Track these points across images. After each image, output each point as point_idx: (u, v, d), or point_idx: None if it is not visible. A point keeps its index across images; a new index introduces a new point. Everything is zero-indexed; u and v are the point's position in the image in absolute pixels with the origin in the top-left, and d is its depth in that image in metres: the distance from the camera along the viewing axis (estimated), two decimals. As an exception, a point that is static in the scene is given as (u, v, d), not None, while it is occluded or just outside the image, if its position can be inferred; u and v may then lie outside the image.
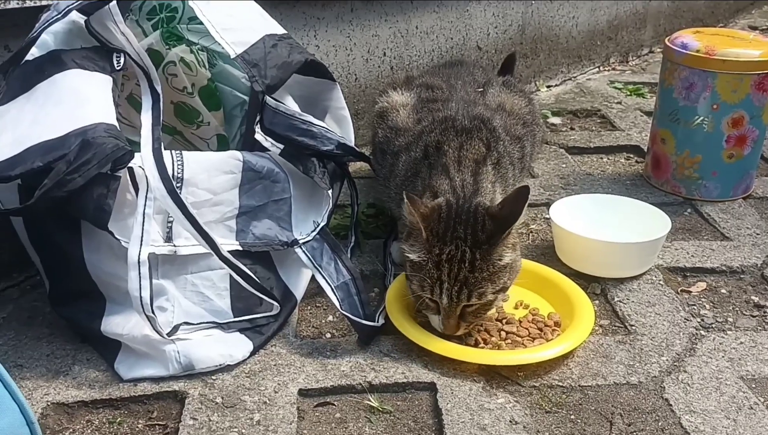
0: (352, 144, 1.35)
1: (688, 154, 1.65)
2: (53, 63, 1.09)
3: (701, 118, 1.61)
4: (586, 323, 1.16)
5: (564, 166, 1.86)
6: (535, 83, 2.44)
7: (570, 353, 1.13)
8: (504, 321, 1.20)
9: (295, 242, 1.20)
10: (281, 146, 1.21)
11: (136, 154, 1.05)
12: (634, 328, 1.21)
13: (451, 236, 1.08)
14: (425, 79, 1.50)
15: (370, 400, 1.04)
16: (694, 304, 1.29)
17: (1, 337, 1.18)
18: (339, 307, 1.16)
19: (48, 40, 1.11)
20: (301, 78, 1.28)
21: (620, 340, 1.18)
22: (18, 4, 1.17)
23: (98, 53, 1.13)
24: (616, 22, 2.70)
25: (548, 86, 2.49)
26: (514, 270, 1.14)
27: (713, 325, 1.22)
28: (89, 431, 1.00)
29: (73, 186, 0.98)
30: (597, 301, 1.29)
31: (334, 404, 1.05)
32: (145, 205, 1.04)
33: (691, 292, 1.33)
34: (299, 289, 1.24)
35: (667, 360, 1.13)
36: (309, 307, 1.27)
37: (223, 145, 1.40)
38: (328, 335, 1.20)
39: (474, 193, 1.18)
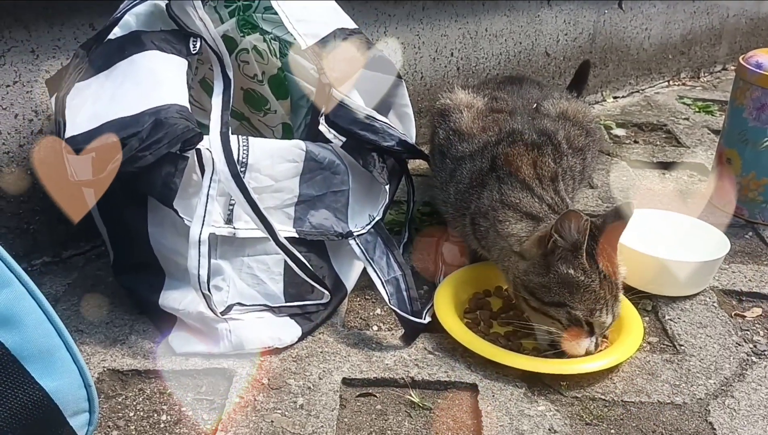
0: (413, 141, 1.37)
1: (754, 177, 1.61)
2: (133, 43, 1.14)
3: (771, 140, 1.57)
4: (634, 338, 1.16)
5: (624, 178, 1.84)
6: (602, 93, 2.41)
7: (615, 367, 1.12)
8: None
9: (349, 234, 1.22)
10: (343, 139, 1.23)
11: (204, 137, 1.08)
12: (683, 348, 1.20)
13: (595, 253, 1.08)
14: (489, 90, 1.49)
15: (411, 396, 1.06)
16: (747, 330, 1.26)
17: (66, 301, 1.23)
18: (388, 301, 1.18)
19: (130, 21, 1.16)
20: (368, 73, 1.30)
21: (668, 358, 1.17)
22: (105, -15, 1.22)
23: (176, 36, 1.16)
24: (690, 36, 2.65)
25: (615, 97, 2.46)
26: None
27: (765, 353, 1.20)
28: (141, 399, 1.04)
29: (143, 163, 1.02)
30: (647, 318, 1.28)
31: (375, 396, 1.07)
32: (209, 186, 1.07)
33: (745, 316, 1.30)
34: (350, 280, 1.26)
35: (714, 383, 1.12)
36: (358, 299, 1.29)
37: (287, 133, 1.43)
38: (375, 328, 1.22)
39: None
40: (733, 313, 1.31)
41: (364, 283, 1.28)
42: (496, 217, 1.19)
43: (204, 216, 1.07)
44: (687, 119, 2.29)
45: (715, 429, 1.02)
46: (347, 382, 1.08)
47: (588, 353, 1.10)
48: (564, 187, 1.27)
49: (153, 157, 1.03)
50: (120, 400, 1.04)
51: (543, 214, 1.16)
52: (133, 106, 1.06)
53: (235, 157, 1.11)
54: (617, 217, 1.10)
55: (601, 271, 1.08)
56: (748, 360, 1.17)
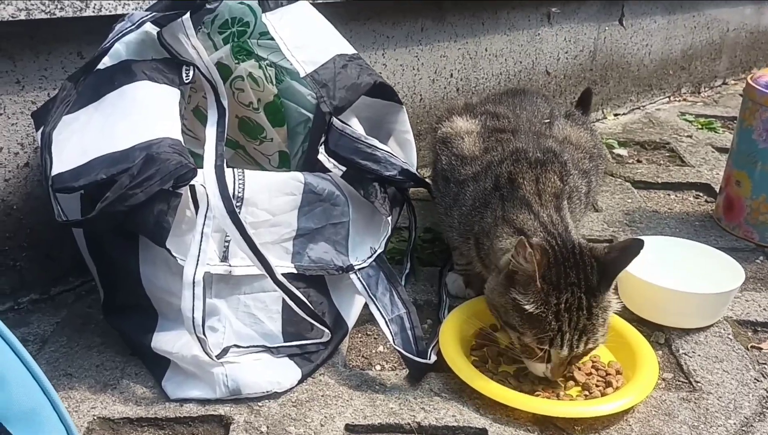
0: (415, 169, 1.32)
1: (764, 199, 1.57)
2: (124, 73, 1.09)
3: (781, 162, 1.53)
4: (649, 377, 1.10)
5: (629, 201, 1.79)
6: (603, 111, 2.38)
7: (630, 408, 1.07)
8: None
9: (350, 268, 1.17)
10: (344, 168, 1.18)
11: (198, 171, 1.03)
12: (699, 384, 1.15)
13: (565, 283, 1.03)
14: (489, 106, 1.45)
15: (418, 442, 1.01)
16: (765, 363, 1.21)
17: (54, 343, 1.18)
18: (392, 341, 1.12)
19: (120, 49, 1.11)
20: (369, 100, 1.26)
21: (684, 397, 1.12)
22: (93, 12, 1.17)
23: (168, 65, 1.12)
24: (691, 51, 2.62)
25: (616, 114, 2.42)
26: None
27: (785, 389, 1.15)
28: (133, 450, 0.99)
29: (134, 201, 0.97)
30: (660, 352, 1.23)
31: (380, 443, 1.02)
32: (204, 223, 1.02)
33: (762, 349, 1.26)
34: (351, 317, 1.21)
35: (734, 423, 1.07)
36: (360, 335, 1.24)
37: (284, 161, 1.38)
38: (378, 367, 1.16)
39: (566, 230, 1.13)
40: (749, 346, 1.26)
41: (365, 317, 1.23)
42: (496, 232, 1.16)
43: (198, 255, 1.01)
44: (690, 137, 2.25)
45: (737, 475, 0.98)
46: (350, 428, 1.03)
47: (546, 378, 1.09)
48: (570, 207, 1.23)
49: (144, 196, 0.97)
50: (111, 451, 0.99)
51: (532, 231, 1.12)
52: (124, 140, 1.01)
53: (231, 191, 1.06)
54: (623, 252, 1.06)
55: (561, 302, 1.02)
56: (768, 397, 1.13)
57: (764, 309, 1.35)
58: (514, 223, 1.15)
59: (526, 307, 1.03)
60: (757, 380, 1.16)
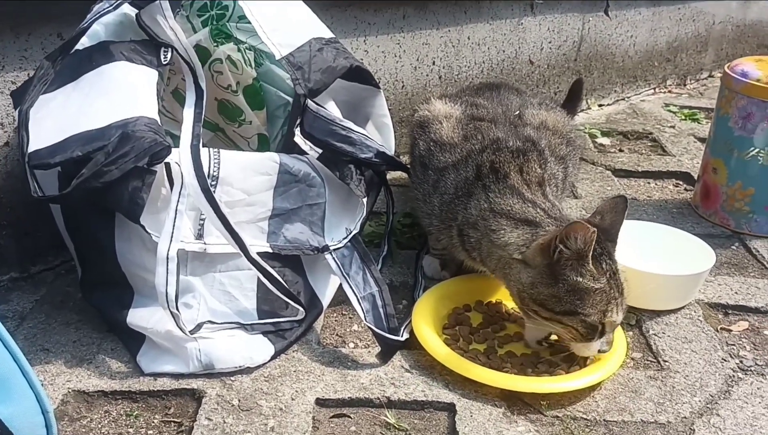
0: (392, 152, 1.34)
1: (740, 186, 1.59)
2: (102, 54, 1.11)
3: (757, 149, 1.55)
4: (617, 355, 1.13)
5: (609, 188, 1.81)
6: (587, 101, 2.39)
7: (597, 385, 1.09)
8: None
9: (325, 248, 1.19)
10: (319, 150, 1.20)
11: (173, 150, 1.05)
12: (667, 364, 1.17)
13: (599, 255, 1.07)
14: (467, 97, 1.46)
15: (386, 416, 1.03)
16: (733, 344, 1.24)
17: (33, 319, 1.20)
18: (363, 318, 1.14)
19: (99, 30, 1.13)
20: (346, 83, 1.28)
21: (652, 375, 1.14)
22: (72, -7, 1.18)
23: (146, 47, 1.13)
24: (676, 43, 2.64)
25: (600, 105, 2.44)
26: None
27: (752, 368, 1.17)
28: (106, 422, 1.00)
29: (109, 177, 0.99)
30: (630, 332, 1.25)
31: (350, 417, 1.03)
32: (178, 201, 1.04)
33: (731, 330, 1.28)
34: (326, 296, 1.23)
35: (699, 401, 1.09)
36: (335, 314, 1.26)
37: (263, 144, 1.40)
38: (351, 345, 1.18)
39: (560, 213, 1.16)
40: (719, 327, 1.28)
41: (342, 297, 1.24)
42: (488, 226, 1.15)
43: (172, 232, 1.03)
44: (673, 127, 2.27)
45: (699, 449, 1.00)
46: (321, 402, 1.05)
47: (601, 352, 1.10)
48: (551, 192, 1.24)
49: (119, 172, 0.99)
50: (85, 422, 1.00)
51: (540, 219, 1.13)
52: (100, 118, 1.03)
53: (206, 170, 1.08)
54: (614, 212, 1.11)
55: (606, 272, 1.06)
56: (734, 376, 1.15)
57: (736, 292, 1.37)
58: (511, 215, 1.15)
59: (590, 283, 1.05)
60: (725, 360, 1.18)
